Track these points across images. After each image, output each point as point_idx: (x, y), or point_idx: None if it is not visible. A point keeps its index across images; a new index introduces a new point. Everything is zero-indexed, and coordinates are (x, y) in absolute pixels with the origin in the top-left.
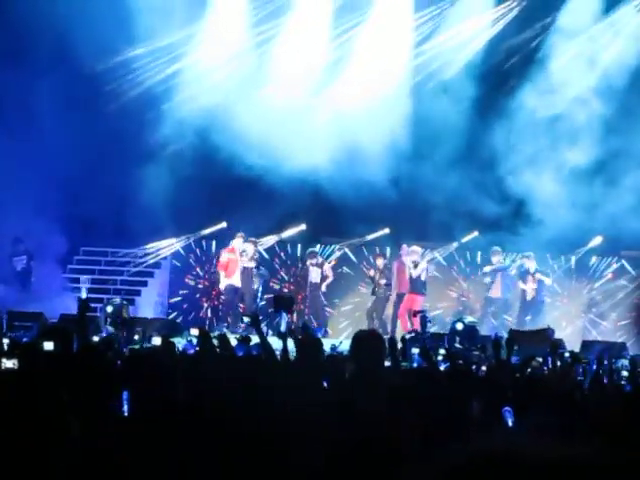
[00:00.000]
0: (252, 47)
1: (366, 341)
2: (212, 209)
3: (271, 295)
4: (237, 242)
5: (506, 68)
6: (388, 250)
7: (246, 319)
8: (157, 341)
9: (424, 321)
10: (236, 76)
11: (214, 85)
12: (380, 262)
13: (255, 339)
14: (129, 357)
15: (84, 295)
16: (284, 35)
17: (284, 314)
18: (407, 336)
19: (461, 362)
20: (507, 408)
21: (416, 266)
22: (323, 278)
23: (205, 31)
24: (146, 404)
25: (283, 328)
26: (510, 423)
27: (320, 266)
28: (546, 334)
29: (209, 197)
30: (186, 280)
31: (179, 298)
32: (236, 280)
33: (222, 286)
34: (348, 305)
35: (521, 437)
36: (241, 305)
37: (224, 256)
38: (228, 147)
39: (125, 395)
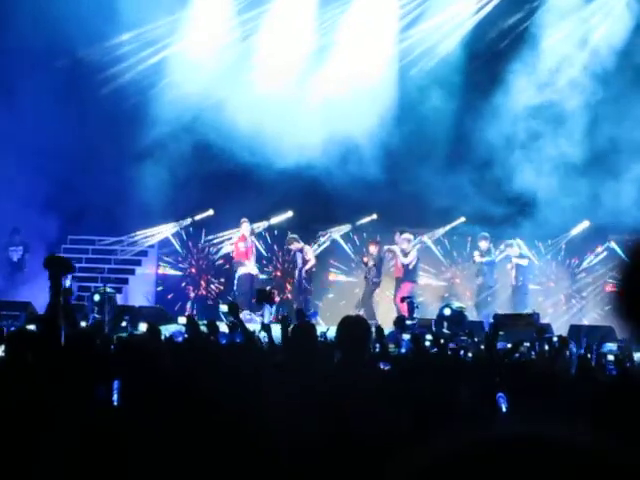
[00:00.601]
0: (238, 34)
1: (351, 327)
2: (200, 197)
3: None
4: (245, 228)
5: (495, 52)
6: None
7: (224, 307)
8: (143, 327)
9: (411, 307)
10: (223, 64)
11: (201, 73)
12: (373, 249)
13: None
14: (116, 344)
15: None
16: (269, 23)
17: (267, 306)
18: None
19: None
20: (501, 394)
21: (406, 255)
22: (304, 262)
23: (190, 19)
24: (134, 392)
25: (266, 320)
26: (504, 409)
27: (301, 251)
28: (531, 319)
29: (197, 185)
30: (173, 269)
31: (161, 287)
32: (251, 268)
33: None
34: (330, 294)
35: (517, 422)
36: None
37: (241, 245)
38: (216, 135)
39: (116, 384)
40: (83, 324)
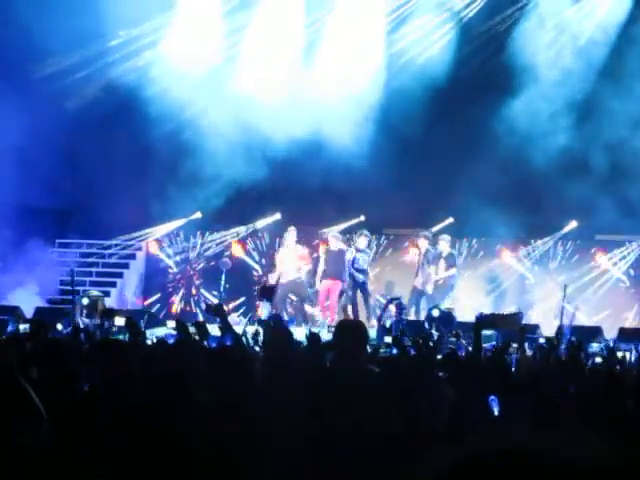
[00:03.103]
0: (225, 35)
1: (350, 328)
2: (184, 200)
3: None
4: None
5: (485, 54)
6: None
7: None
8: (120, 321)
9: (400, 308)
10: (209, 66)
11: (186, 76)
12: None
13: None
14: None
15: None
16: (256, 23)
17: (267, 303)
18: (387, 323)
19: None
20: (492, 397)
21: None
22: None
23: (176, 21)
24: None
25: (264, 317)
26: (496, 412)
27: None
28: (515, 318)
29: (182, 188)
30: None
31: (154, 298)
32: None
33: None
34: None
35: (510, 430)
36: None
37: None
38: (202, 138)
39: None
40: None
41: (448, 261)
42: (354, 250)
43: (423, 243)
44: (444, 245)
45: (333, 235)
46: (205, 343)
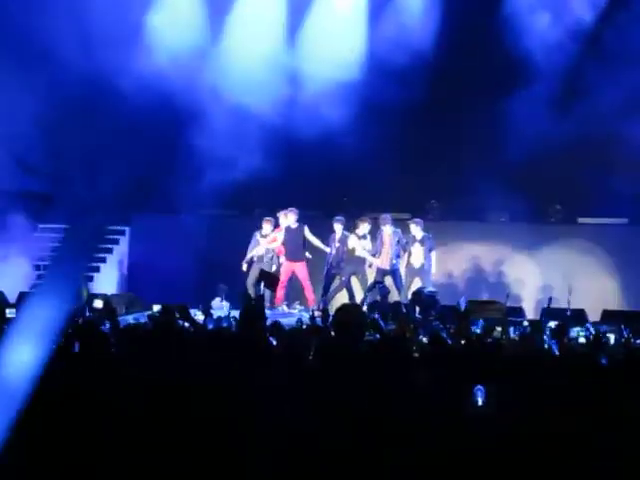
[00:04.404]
0: (207, 18)
1: (351, 313)
2: (160, 180)
3: None
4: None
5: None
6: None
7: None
8: (99, 304)
9: (383, 292)
10: (189, 45)
11: (170, 52)
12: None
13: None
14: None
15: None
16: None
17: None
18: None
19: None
20: (479, 387)
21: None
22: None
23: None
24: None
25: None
26: (480, 402)
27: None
28: (499, 304)
29: (169, 169)
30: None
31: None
32: None
33: None
34: None
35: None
36: None
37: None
38: (185, 116)
39: None
40: None
41: (426, 244)
42: (354, 237)
43: (416, 229)
44: (416, 229)
45: (290, 209)
46: (186, 325)
